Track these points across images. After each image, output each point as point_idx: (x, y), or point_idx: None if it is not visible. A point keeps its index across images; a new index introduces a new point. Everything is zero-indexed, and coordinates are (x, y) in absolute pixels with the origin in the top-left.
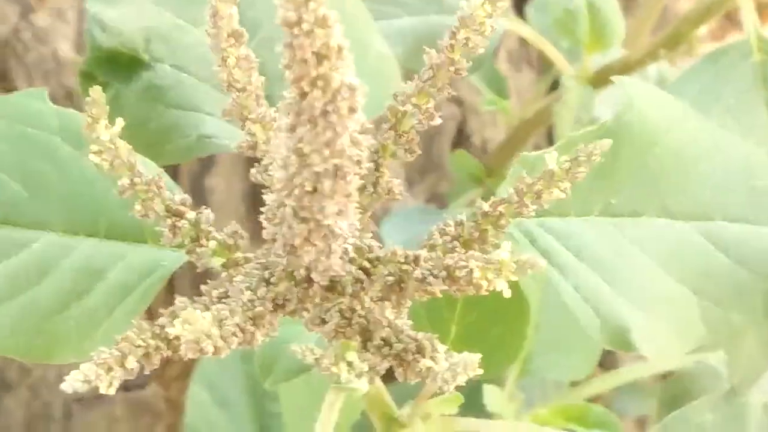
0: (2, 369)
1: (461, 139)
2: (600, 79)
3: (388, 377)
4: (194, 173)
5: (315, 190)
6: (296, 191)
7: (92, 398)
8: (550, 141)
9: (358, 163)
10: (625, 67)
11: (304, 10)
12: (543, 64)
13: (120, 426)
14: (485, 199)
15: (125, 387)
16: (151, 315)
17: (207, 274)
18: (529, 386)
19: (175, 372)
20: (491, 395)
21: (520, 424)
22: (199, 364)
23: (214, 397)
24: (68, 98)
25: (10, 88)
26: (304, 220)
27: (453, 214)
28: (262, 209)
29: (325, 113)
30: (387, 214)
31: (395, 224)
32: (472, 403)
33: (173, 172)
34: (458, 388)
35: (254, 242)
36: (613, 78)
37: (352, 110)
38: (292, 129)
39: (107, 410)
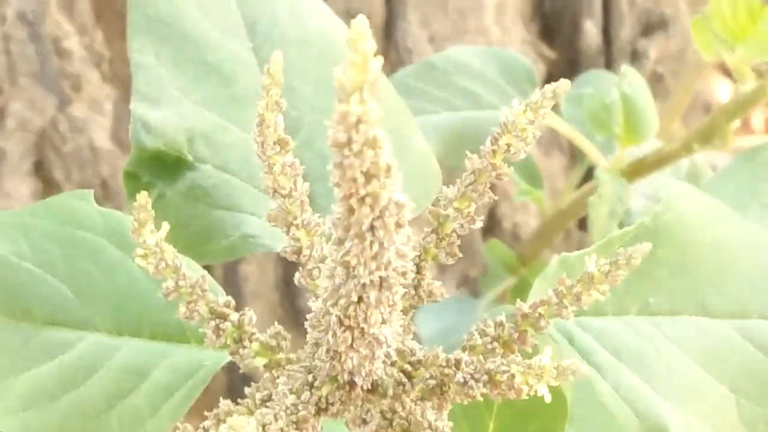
0: None
1: (492, 222)
2: (634, 171)
3: None
4: (228, 261)
5: (360, 300)
6: (342, 301)
7: None
8: (581, 227)
9: (404, 274)
10: (660, 160)
11: (354, 132)
12: (574, 149)
13: None
14: (518, 289)
15: None
16: (189, 414)
17: (244, 376)
18: None
19: None
20: None
21: None
22: None
23: None
24: (103, 187)
25: (47, 178)
26: (348, 328)
27: (487, 304)
28: (297, 304)
29: (372, 228)
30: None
31: (431, 313)
32: None
33: None
34: None
35: (287, 327)
36: (659, 181)
37: (399, 226)
38: (340, 242)
39: None
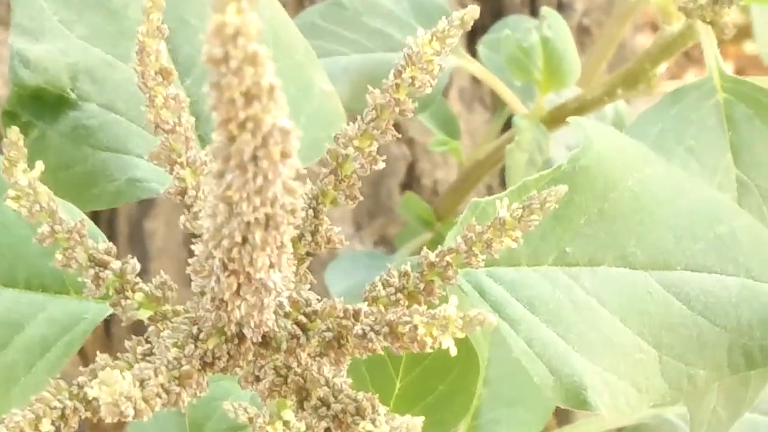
0: None
1: (411, 180)
2: (555, 119)
3: None
4: (133, 216)
5: (245, 241)
6: (225, 242)
7: None
8: (503, 183)
9: (293, 212)
10: (581, 107)
11: (231, 46)
12: (496, 104)
13: None
14: (434, 244)
15: None
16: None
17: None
18: None
19: (111, 425)
20: None
21: None
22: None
23: None
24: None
25: None
26: (233, 272)
27: (401, 260)
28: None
29: (255, 158)
30: (333, 258)
31: (341, 269)
32: None
33: (110, 214)
34: None
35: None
36: (570, 119)
37: (285, 155)
38: (220, 175)
39: None
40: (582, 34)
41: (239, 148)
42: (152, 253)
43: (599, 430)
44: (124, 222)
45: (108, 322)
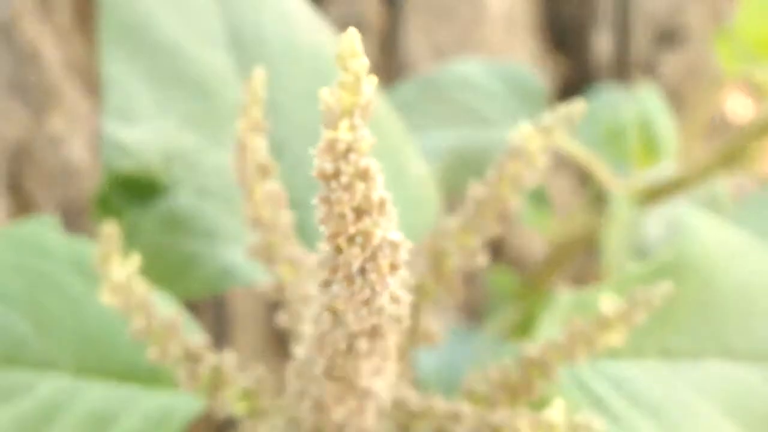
0: None
1: (495, 248)
2: (650, 196)
3: None
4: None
5: (350, 349)
6: (329, 349)
7: None
8: (590, 253)
9: (398, 320)
10: (678, 185)
11: (343, 162)
12: (586, 180)
13: None
14: (525, 321)
15: None
16: None
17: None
18: None
19: None
20: None
21: None
22: None
23: None
24: (84, 207)
25: (24, 197)
26: (336, 380)
27: (490, 337)
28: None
29: (363, 271)
30: None
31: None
32: None
33: None
34: None
35: (277, 349)
36: (680, 215)
37: (394, 268)
38: (327, 284)
39: None
40: (672, 97)
41: (347, 261)
42: (235, 314)
43: None
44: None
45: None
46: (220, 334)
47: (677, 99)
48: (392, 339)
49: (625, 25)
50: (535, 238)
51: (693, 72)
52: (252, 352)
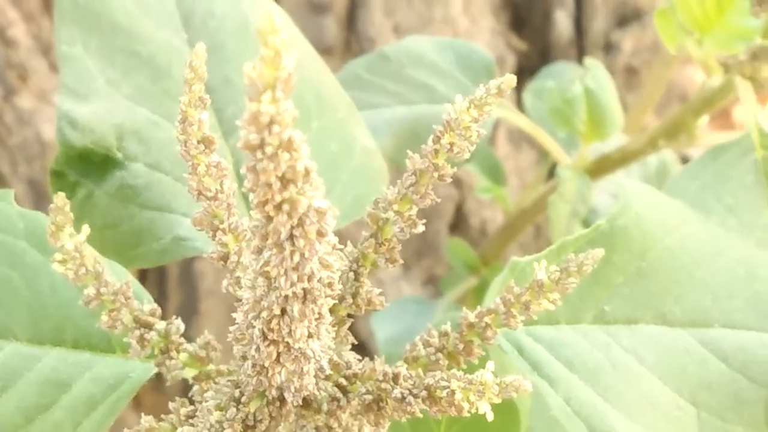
0: None
1: (459, 219)
2: (598, 169)
3: None
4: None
5: (284, 313)
6: (264, 313)
7: None
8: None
9: (329, 285)
10: (625, 157)
11: (267, 134)
12: (540, 154)
13: None
14: (479, 290)
15: None
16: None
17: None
18: None
19: None
20: None
21: None
22: None
23: None
24: None
25: None
26: (273, 342)
27: (447, 306)
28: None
29: (291, 237)
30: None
31: (388, 315)
32: None
33: None
34: None
35: None
36: (618, 180)
37: (321, 234)
38: (259, 251)
39: None
40: (630, 74)
41: (276, 228)
42: (202, 294)
43: None
44: (174, 262)
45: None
46: (190, 310)
47: (635, 76)
48: (325, 303)
49: (584, 5)
50: (498, 208)
51: (651, 49)
52: (220, 327)
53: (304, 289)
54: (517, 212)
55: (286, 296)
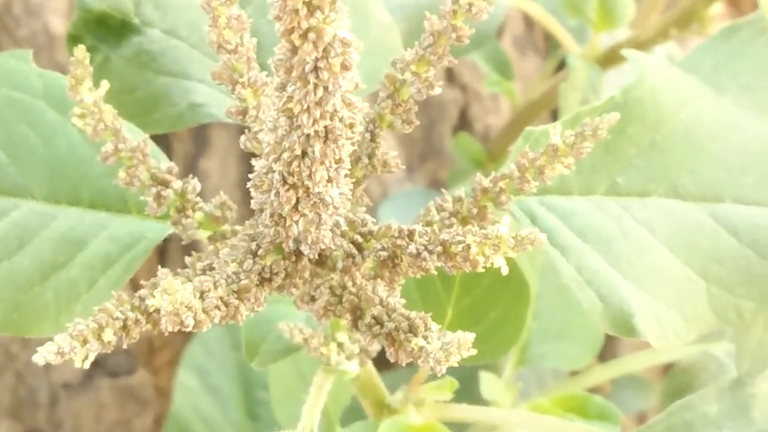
0: None
1: (463, 124)
2: (608, 60)
3: (381, 365)
4: (189, 155)
5: (304, 154)
6: (285, 155)
7: (79, 384)
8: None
9: (351, 126)
10: (634, 47)
11: None
12: (549, 48)
13: (107, 413)
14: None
15: (112, 373)
16: (136, 288)
17: (197, 245)
18: (525, 376)
19: (164, 359)
20: (488, 383)
21: (518, 411)
22: (188, 351)
23: (203, 384)
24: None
25: None
26: (292, 186)
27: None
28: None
29: (316, 69)
30: (386, 198)
31: (394, 207)
32: (467, 391)
33: (166, 152)
34: (453, 375)
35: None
36: (624, 52)
37: (345, 67)
38: (282, 87)
39: (94, 397)
40: None
41: (301, 59)
42: (207, 192)
43: (645, 365)
44: (180, 161)
45: (161, 248)
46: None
47: None
48: (346, 145)
49: None
50: (502, 113)
51: None
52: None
53: (326, 128)
54: (525, 106)
55: (308, 135)
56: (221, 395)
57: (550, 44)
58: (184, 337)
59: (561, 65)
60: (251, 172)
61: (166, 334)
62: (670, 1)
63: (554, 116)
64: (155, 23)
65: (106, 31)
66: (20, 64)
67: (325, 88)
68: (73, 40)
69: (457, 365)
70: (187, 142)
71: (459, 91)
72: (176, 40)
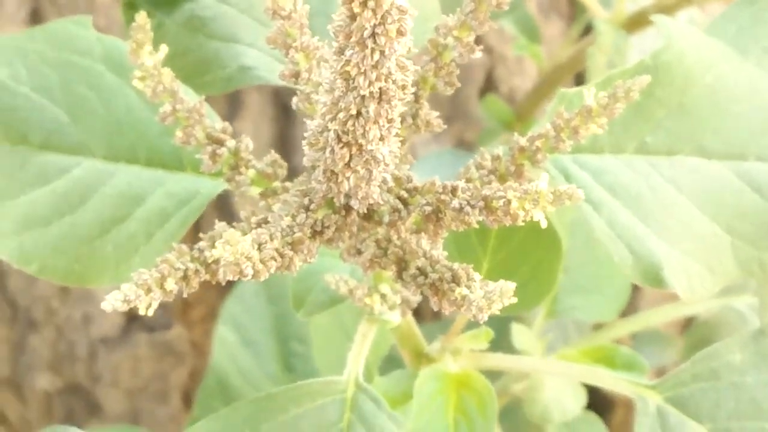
0: (28, 308)
1: (489, 87)
2: (634, 24)
3: (419, 317)
4: (222, 116)
5: (359, 113)
6: (341, 115)
7: (117, 339)
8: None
9: (403, 87)
10: (659, 11)
11: None
12: (574, 13)
13: (144, 366)
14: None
15: (149, 328)
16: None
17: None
18: (554, 329)
19: (198, 314)
20: (519, 333)
21: (550, 360)
22: (226, 306)
23: (240, 337)
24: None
25: None
26: (346, 144)
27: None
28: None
29: (374, 35)
30: (416, 160)
31: (427, 167)
32: (498, 342)
33: None
34: (486, 326)
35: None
36: (654, 17)
37: (401, 33)
38: (340, 51)
39: (131, 351)
40: None
41: (360, 25)
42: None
43: (667, 319)
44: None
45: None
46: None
47: None
48: (397, 105)
49: None
50: (527, 76)
51: None
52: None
53: (380, 89)
54: (552, 68)
55: (363, 96)
56: (258, 348)
57: (574, 10)
58: (218, 293)
59: (586, 30)
60: (282, 133)
61: (223, 284)
62: None
63: (578, 79)
64: None
65: None
66: (80, 29)
67: (382, 52)
68: (129, 6)
69: (495, 315)
70: (222, 104)
71: (485, 54)
72: (226, 6)
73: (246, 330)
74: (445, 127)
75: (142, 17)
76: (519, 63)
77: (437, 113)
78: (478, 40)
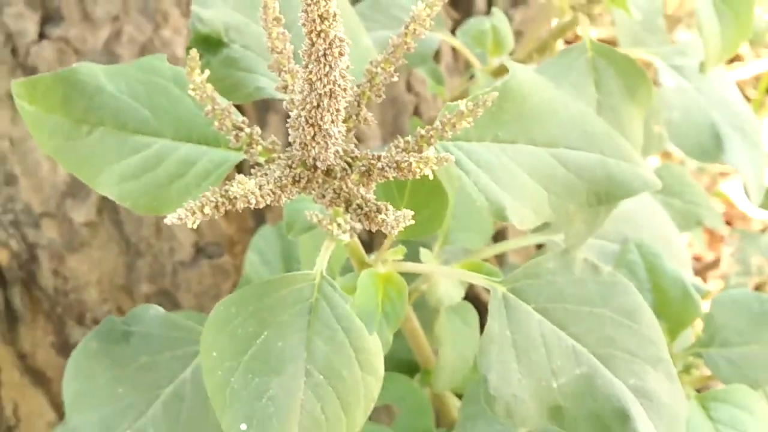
0: (137, 243)
1: (416, 115)
2: (497, 72)
3: (368, 248)
4: (255, 117)
5: (318, 105)
6: (307, 107)
7: (189, 262)
8: None
9: (344, 90)
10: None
11: None
12: (466, 69)
13: (205, 280)
14: None
15: (209, 256)
16: None
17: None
18: (447, 252)
19: (239, 249)
20: (425, 254)
21: (441, 267)
22: (253, 241)
23: (261, 259)
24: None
25: None
26: (311, 125)
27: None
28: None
29: (325, 55)
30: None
31: None
32: (412, 258)
33: (243, 113)
34: (406, 247)
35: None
36: (505, 62)
37: (341, 54)
38: (306, 66)
39: (198, 270)
40: (517, 36)
41: (317, 49)
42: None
43: (517, 246)
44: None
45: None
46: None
47: (521, 36)
48: (342, 100)
49: None
50: (438, 107)
51: (531, 21)
52: None
53: (330, 90)
54: (451, 99)
55: (320, 94)
56: (272, 265)
57: (466, 65)
58: (251, 235)
59: (471, 77)
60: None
61: (240, 211)
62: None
63: None
64: (236, 41)
65: (208, 45)
66: (159, 61)
67: (330, 66)
68: (188, 51)
69: (403, 234)
70: (254, 110)
71: (414, 96)
72: (249, 52)
73: (265, 254)
74: (376, 122)
75: (193, 53)
76: (434, 99)
77: (371, 114)
78: (410, 87)
